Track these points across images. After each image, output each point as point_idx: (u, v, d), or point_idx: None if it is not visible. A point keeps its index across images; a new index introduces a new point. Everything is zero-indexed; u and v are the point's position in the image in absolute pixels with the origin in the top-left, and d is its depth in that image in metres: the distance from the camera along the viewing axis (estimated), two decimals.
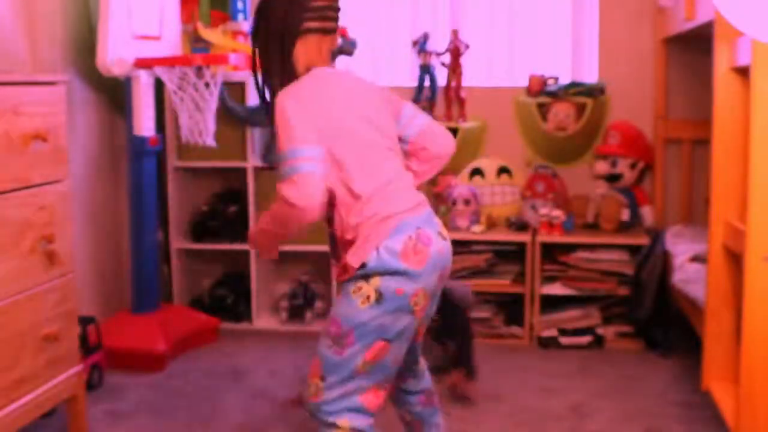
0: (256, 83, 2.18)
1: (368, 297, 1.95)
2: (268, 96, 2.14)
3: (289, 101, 1.98)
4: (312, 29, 2.08)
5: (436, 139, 2.20)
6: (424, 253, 1.98)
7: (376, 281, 1.95)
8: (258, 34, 2.12)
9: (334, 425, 2.00)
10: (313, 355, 2.04)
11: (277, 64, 2.09)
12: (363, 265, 1.95)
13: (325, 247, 2.40)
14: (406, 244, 1.96)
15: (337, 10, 2.14)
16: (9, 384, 2.36)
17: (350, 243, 2.00)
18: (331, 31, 2.12)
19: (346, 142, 2.00)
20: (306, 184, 1.90)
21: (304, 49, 2.09)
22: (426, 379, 2.32)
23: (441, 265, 2.04)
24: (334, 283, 3.82)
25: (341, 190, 2.00)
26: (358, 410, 2.01)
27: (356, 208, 1.98)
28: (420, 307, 2.00)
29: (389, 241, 1.95)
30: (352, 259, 1.96)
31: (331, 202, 2.01)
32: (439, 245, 2.04)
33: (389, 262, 1.94)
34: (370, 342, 1.97)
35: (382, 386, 2.04)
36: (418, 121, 2.19)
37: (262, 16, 2.11)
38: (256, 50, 2.14)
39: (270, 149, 3.81)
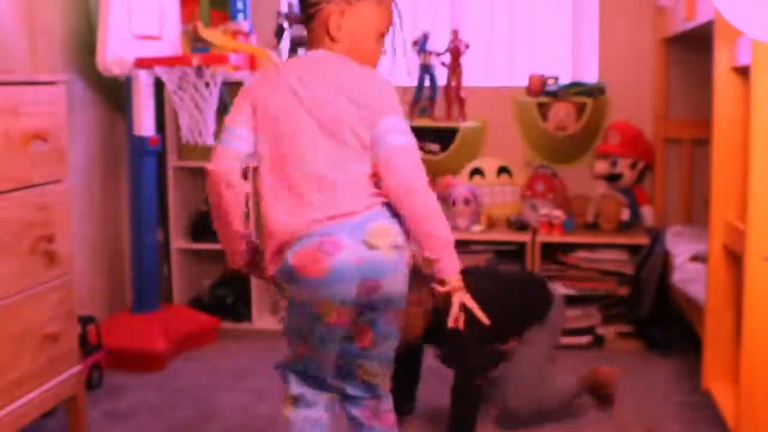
0: None
1: (286, 302, 2.04)
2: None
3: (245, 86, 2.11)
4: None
5: (393, 171, 1.90)
6: (323, 262, 1.88)
7: (286, 288, 1.99)
8: None
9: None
10: None
11: None
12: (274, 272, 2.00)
13: None
14: (302, 253, 1.91)
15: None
16: (9, 384, 2.36)
17: None
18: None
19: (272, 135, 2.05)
20: (218, 153, 2.08)
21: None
22: (372, 392, 2.12)
23: (358, 275, 1.89)
24: None
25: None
26: None
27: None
28: (331, 318, 1.94)
29: (291, 250, 1.92)
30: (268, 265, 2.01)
31: None
32: (355, 255, 1.88)
33: (285, 270, 1.94)
34: (295, 342, 2.08)
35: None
36: (385, 144, 1.90)
37: None
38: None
39: None
